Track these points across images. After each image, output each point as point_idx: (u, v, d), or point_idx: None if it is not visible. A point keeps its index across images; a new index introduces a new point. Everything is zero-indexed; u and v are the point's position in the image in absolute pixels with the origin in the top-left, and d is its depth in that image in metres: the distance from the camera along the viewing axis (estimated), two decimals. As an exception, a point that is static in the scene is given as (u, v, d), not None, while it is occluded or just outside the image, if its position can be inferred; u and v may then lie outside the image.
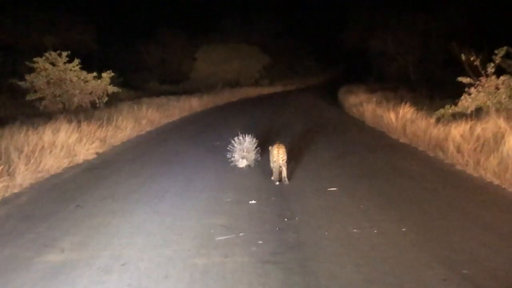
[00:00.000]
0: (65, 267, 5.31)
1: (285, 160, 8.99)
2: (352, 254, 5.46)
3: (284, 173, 9.02)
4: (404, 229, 6.20)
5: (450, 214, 6.82)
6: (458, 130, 11.16)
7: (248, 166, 10.40)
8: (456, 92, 19.83)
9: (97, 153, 12.31)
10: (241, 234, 6.21)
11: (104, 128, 13.94)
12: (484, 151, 9.53)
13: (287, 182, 8.97)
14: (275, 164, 9.03)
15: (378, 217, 6.74)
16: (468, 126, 11.21)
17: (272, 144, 9.48)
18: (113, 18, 40.24)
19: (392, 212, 7.00)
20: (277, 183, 8.99)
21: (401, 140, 13.35)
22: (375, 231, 6.17)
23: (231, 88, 36.00)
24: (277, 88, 42.21)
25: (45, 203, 8.03)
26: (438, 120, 12.85)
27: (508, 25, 25.47)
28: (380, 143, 13.42)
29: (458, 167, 9.82)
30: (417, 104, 16.04)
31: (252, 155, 10.45)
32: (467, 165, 9.61)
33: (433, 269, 5.00)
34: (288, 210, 7.23)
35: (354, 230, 6.23)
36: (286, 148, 9.17)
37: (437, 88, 23.52)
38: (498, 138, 9.93)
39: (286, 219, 6.77)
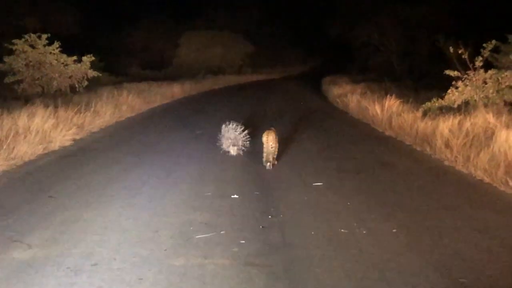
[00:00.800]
0: (31, 266, 4.89)
1: (274, 147, 9.22)
2: (340, 257, 5.07)
3: (270, 158, 9.20)
4: (394, 230, 5.83)
5: (442, 214, 6.45)
6: (446, 125, 10.82)
7: (238, 152, 10.32)
8: (442, 85, 19.56)
9: (74, 140, 11.85)
10: (222, 232, 5.80)
11: (82, 114, 13.45)
12: (474, 147, 9.19)
13: (270, 167, 9.20)
14: (265, 150, 9.17)
15: (367, 216, 6.36)
16: (456, 121, 10.89)
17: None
18: (96, 2, 39.36)
19: (381, 210, 6.62)
20: (270, 166, 9.19)
21: (387, 133, 13.01)
22: (364, 232, 5.79)
23: (214, 75, 35.43)
24: (260, 77, 41.63)
25: (16, 192, 7.59)
26: (425, 113, 12.53)
27: (494, 18, 25.27)
28: (366, 135, 13.08)
29: (447, 162, 9.48)
30: (402, 96, 15.70)
31: (239, 142, 10.36)
32: (456, 161, 9.27)
33: (429, 277, 4.62)
34: (272, 206, 6.82)
35: (342, 230, 5.85)
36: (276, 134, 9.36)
37: (422, 80, 23.28)
38: (488, 134, 9.62)
39: (270, 216, 6.37)
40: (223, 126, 10.43)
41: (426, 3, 28.46)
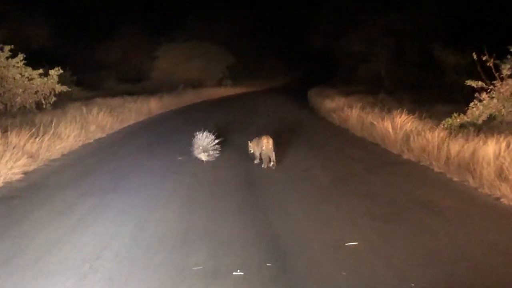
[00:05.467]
0: None
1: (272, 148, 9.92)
2: None
3: (273, 157, 9.95)
4: None
5: None
6: (489, 148, 8.38)
7: (208, 159, 10.43)
8: (446, 97, 17.34)
9: (25, 173, 9.25)
10: None
11: (39, 137, 10.79)
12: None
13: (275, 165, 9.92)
14: (265, 152, 9.87)
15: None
16: (504, 143, 8.44)
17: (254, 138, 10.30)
18: (72, 14, 36.85)
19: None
20: (265, 166, 9.90)
21: (405, 157, 10.52)
22: None
23: (193, 88, 32.82)
24: (242, 89, 39.01)
25: None
26: (450, 132, 10.19)
27: (486, 24, 23.13)
28: (381, 160, 10.54)
29: (505, 201, 6.99)
30: (407, 110, 13.27)
31: (210, 150, 10.52)
32: (521, 200, 6.82)
33: None
34: (299, 296, 4.24)
35: None
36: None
37: (417, 91, 20.99)
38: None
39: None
40: (196, 134, 10.50)
41: (414, 11, 26.42)
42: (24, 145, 10.13)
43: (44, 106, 15.01)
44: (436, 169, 9.23)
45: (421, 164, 9.81)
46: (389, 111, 13.96)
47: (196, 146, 10.41)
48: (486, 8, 22.48)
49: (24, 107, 15.12)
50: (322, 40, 34.48)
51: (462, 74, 18.00)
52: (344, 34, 30.36)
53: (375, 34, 28.07)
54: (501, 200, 7.08)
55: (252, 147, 10.29)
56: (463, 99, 16.52)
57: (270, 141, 9.87)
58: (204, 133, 10.49)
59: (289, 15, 50.05)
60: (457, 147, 9.10)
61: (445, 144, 9.49)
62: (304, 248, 5.37)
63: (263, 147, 9.86)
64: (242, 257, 5.10)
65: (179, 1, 44.84)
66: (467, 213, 6.63)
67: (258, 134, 12.22)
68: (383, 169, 9.58)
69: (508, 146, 8.33)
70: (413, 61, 26.60)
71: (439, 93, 18.97)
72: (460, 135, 9.77)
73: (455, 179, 8.48)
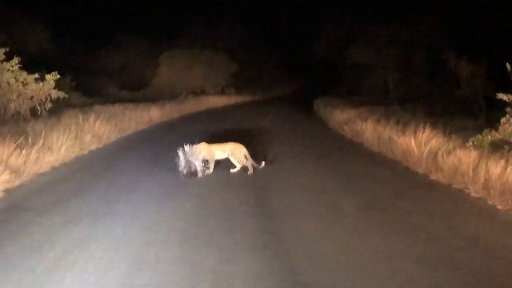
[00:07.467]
0: None
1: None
2: None
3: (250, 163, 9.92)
4: None
5: None
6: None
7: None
8: (462, 108, 16.13)
9: (6, 190, 7.97)
10: None
11: (27, 149, 9.49)
12: None
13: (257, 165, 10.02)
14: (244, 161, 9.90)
15: None
16: None
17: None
18: (74, 20, 36.02)
19: None
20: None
21: (433, 177, 9.27)
22: None
23: (196, 96, 31.73)
24: (245, 98, 37.78)
25: None
26: (481, 150, 9.01)
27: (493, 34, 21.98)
28: (407, 181, 9.29)
29: None
30: (430, 124, 12.04)
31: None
32: None
33: None
34: None
35: None
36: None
37: (429, 103, 19.81)
38: None
39: None
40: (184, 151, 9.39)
41: (420, 22, 25.36)
42: (9, 157, 8.85)
43: (39, 113, 13.85)
44: (473, 194, 8.00)
45: (454, 186, 8.57)
46: (406, 124, 12.79)
47: (194, 163, 9.49)
48: (495, 18, 21.39)
49: (19, 113, 13.95)
50: (325, 50, 33.45)
51: (477, 85, 16.93)
52: (349, 44, 29.39)
53: (381, 44, 27.04)
54: None
55: (218, 153, 10.01)
56: (480, 112, 15.41)
57: (243, 148, 10.03)
58: (194, 145, 9.60)
59: (292, 24, 49.28)
60: (498, 169, 7.86)
61: (482, 165, 8.24)
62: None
63: (244, 153, 9.94)
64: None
65: (181, 8, 43.97)
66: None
67: (267, 150, 11.16)
68: (412, 192, 8.31)
69: None
70: (421, 72, 25.52)
71: (452, 105, 17.82)
72: (498, 155, 8.56)
73: (499, 207, 7.26)
